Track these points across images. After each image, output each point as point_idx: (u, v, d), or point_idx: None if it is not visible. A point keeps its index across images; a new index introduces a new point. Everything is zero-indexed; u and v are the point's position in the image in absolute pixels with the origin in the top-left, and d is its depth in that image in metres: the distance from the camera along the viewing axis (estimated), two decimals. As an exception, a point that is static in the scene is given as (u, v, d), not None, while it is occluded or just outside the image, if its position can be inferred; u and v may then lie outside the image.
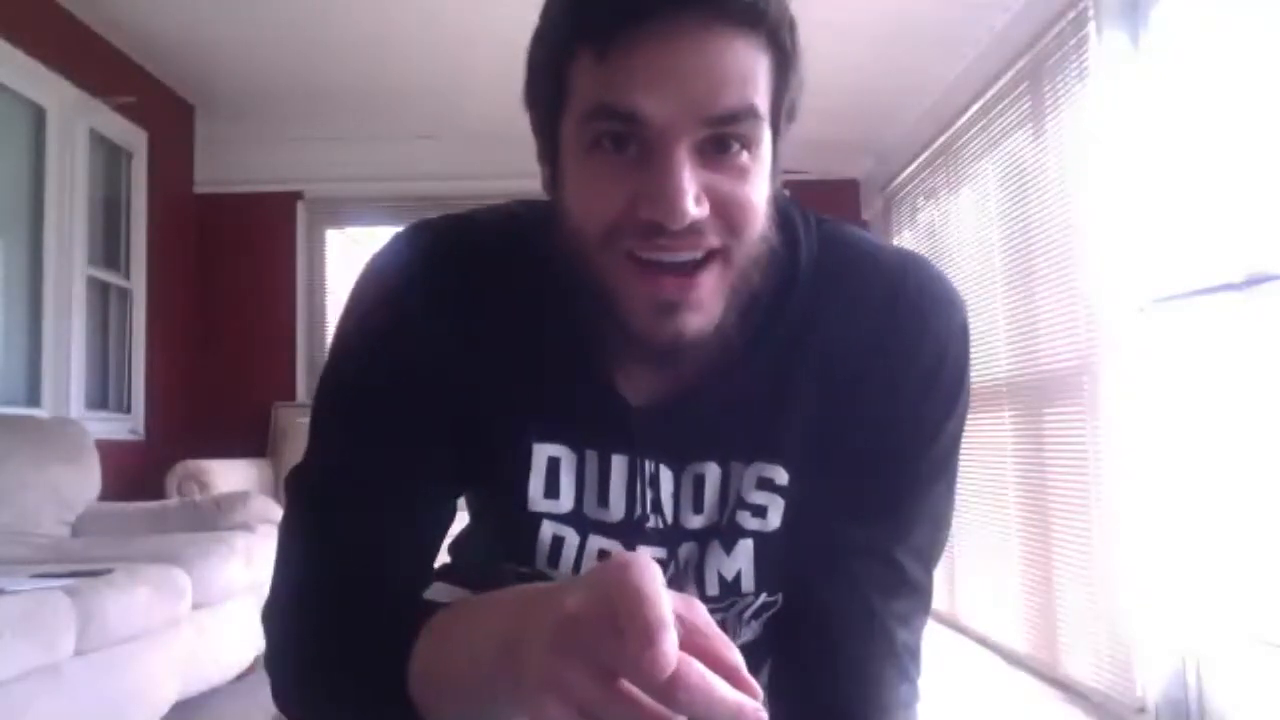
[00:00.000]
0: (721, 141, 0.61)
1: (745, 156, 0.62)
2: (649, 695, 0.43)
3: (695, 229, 0.61)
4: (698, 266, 0.62)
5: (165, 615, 2.52)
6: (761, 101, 0.61)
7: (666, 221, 0.59)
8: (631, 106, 0.59)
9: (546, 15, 0.65)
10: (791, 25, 0.63)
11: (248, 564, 2.96)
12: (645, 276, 0.62)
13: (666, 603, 0.43)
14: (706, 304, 0.63)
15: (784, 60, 0.63)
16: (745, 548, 0.74)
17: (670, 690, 0.41)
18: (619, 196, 0.61)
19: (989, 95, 3.53)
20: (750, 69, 0.60)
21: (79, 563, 2.58)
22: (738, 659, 0.44)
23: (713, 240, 0.62)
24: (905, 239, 4.70)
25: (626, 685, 0.43)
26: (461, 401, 0.72)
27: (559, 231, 0.66)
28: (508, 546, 0.77)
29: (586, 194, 0.63)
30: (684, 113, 0.59)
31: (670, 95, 0.59)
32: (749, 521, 0.74)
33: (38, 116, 3.64)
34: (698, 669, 0.42)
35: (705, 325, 0.64)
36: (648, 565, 0.44)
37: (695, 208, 0.60)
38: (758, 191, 0.63)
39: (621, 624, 0.42)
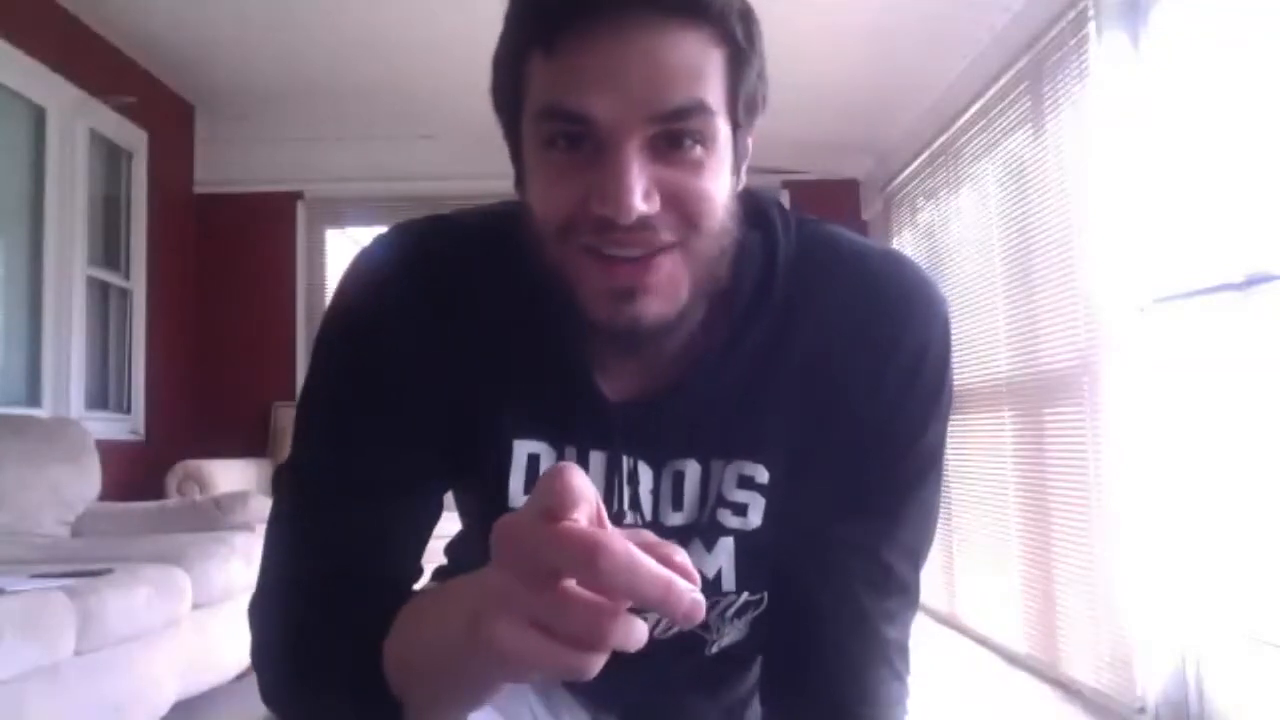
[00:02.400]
0: (673, 137, 0.61)
1: (699, 151, 0.62)
2: (578, 571, 0.42)
3: (646, 225, 0.61)
4: (654, 254, 0.63)
5: (165, 615, 2.52)
6: (713, 96, 0.62)
7: (615, 217, 0.60)
8: (578, 107, 0.60)
9: (506, 18, 0.66)
10: (744, 16, 0.63)
11: (248, 564, 2.96)
12: (601, 267, 0.63)
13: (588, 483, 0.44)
14: (664, 289, 0.63)
15: (738, 53, 0.63)
16: (726, 545, 0.74)
17: (593, 558, 0.41)
18: (572, 193, 0.62)
19: (989, 95, 3.53)
20: (698, 64, 0.61)
21: (79, 563, 2.58)
22: (677, 551, 0.44)
23: (665, 237, 0.63)
24: (905, 239, 4.70)
25: (571, 586, 0.43)
26: (444, 399, 0.73)
27: (525, 229, 0.67)
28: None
29: (543, 192, 0.64)
30: (631, 111, 0.60)
31: (617, 94, 0.59)
32: (730, 519, 0.74)
33: (38, 116, 3.64)
34: (623, 544, 0.42)
35: (664, 311, 0.64)
36: (572, 465, 0.45)
37: (643, 204, 0.60)
38: (713, 184, 0.63)
39: (548, 507, 0.43)
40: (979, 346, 3.66)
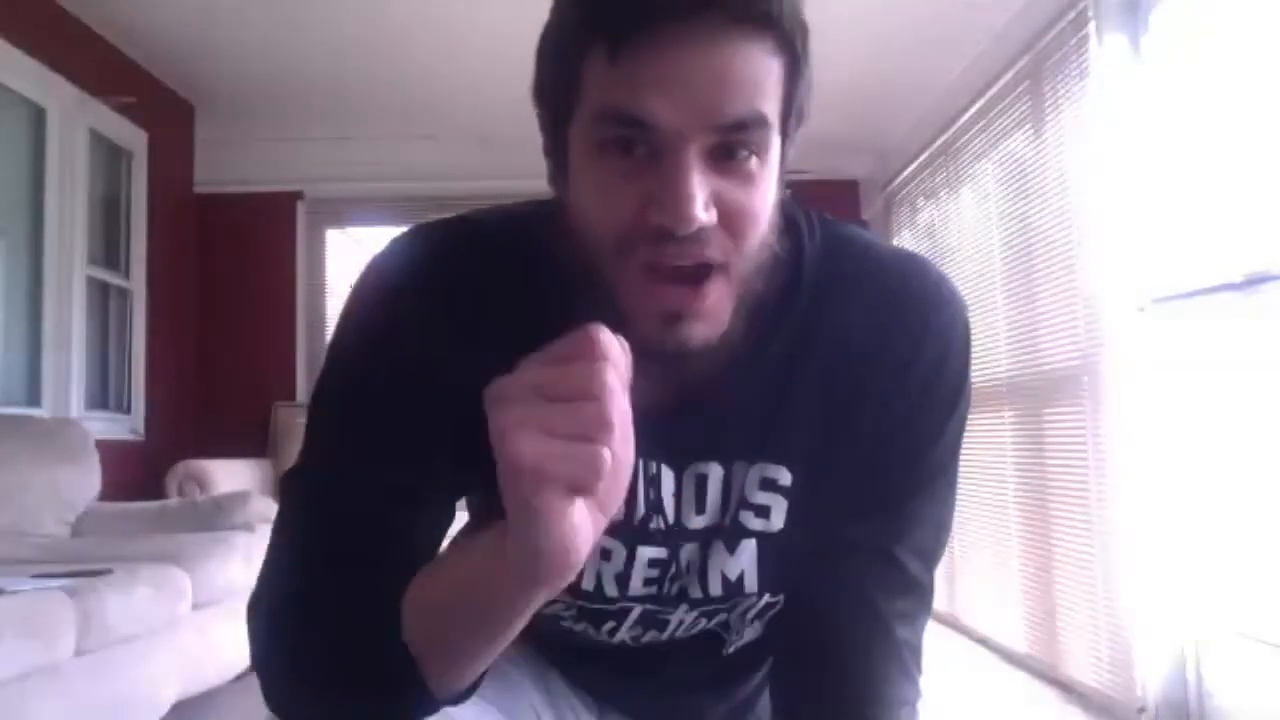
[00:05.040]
0: (730, 148, 0.61)
1: (754, 163, 0.62)
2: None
3: (700, 238, 0.61)
4: (702, 277, 0.62)
5: (165, 615, 2.52)
6: (771, 109, 0.61)
7: (676, 227, 0.59)
8: (642, 112, 0.59)
9: (558, 11, 0.64)
10: (804, 31, 0.63)
11: (248, 564, 2.96)
12: (654, 286, 0.62)
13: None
14: (712, 314, 0.63)
15: (795, 66, 0.62)
16: (748, 548, 0.74)
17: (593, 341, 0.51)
18: (630, 202, 0.61)
19: (989, 95, 3.53)
20: (762, 76, 0.60)
21: (79, 563, 2.58)
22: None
23: (714, 254, 0.62)
24: (905, 239, 4.69)
25: (562, 394, 0.51)
26: (462, 403, 0.72)
27: (567, 232, 0.66)
28: None
29: (597, 199, 0.63)
30: (694, 119, 0.59)
31: (681, 101, 0.58)
32: (752, 522, 0.74)
33: (38, 116, 3.64)
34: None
35: (710, 334, 0.64)
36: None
37: (704, 213, 0.59)
38: (763, 200, 0.63)
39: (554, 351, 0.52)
40: (979, 346, 3.65)
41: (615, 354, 0.51)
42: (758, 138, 0.61)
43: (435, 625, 0.62)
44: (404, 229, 0.76)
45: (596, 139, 0.61)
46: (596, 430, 0.50)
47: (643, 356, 0.66)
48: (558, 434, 0.50)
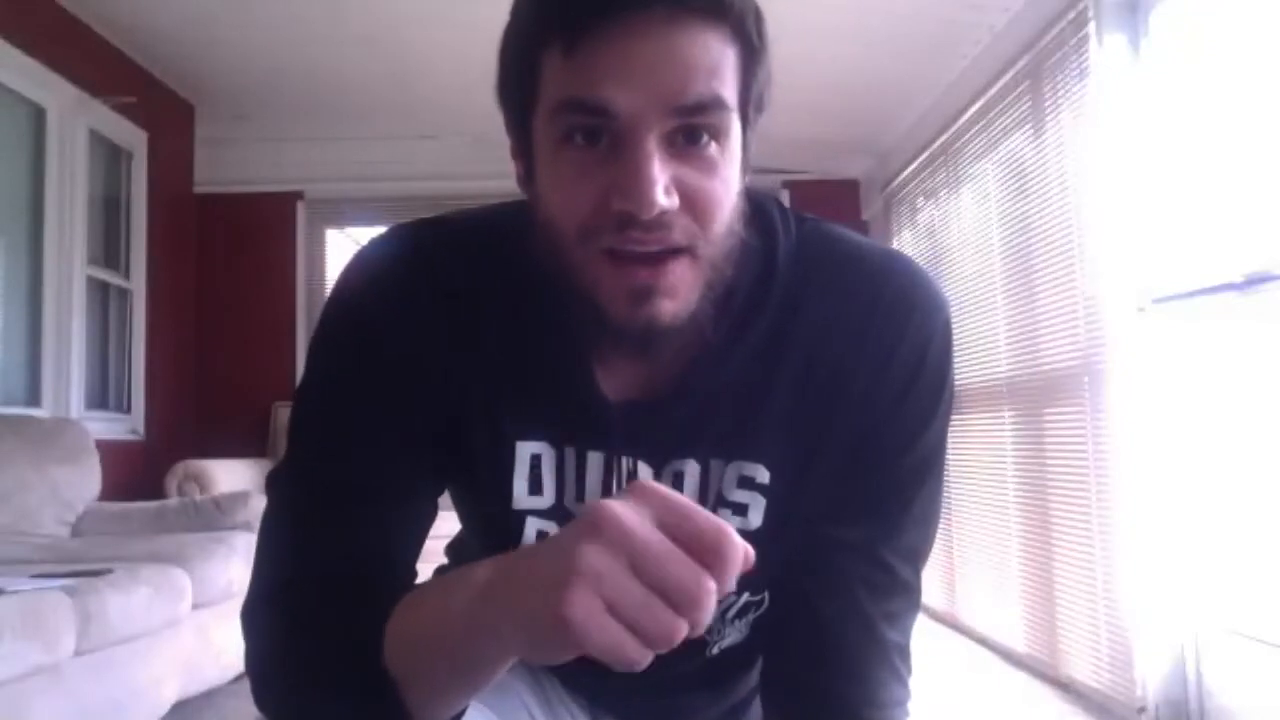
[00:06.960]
0: (691, 132, 0.62)
1: (714, 148, 0.63)
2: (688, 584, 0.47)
3: (664, 222, 0.61)
4: (667, 256, 0.63)
5: (165, 615, 2.52)
6: (729, 93, 0.62)
7: (638, 212, 0.60)
8: (600, 99, 0.60)
9: (516, 12, 0.65)
10: (757, 16, 0.64)
11: (248, 564, 2.94)
12: (619, 267, 0.63)
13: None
14: (679, 291, 0.64)
15: (750, 51, 0.64)
16: None
17: (722, 543, 0.48)
18: (592, 191, 0.62)
19: (989, 95, 3.52)
20: (717, 60, 0.61)
21: (79, 563, 2.58)
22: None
23: (678, 238, 0.62)
24: (905, 239, 4.69)
25: (654, 582, 0.47)
26: (442, 400, 0.72)
27: (536, 227, 0.67)
28: (493, 545, 0.77)
29: (560, 190, 0.64)
30: (653, 104, 0.60)
31: (639, 87, 0.59)
32: (730, 519, 0.73)
33: (38, 116, 3.64)
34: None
35: (679, 312, 0.64)
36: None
37: (665, 198, 0.60)
38: (726, 185, 0.64)
39: (684, 522, 0.48)
40: (979, 346, 3.66)
41: (737, 567, 0.48)
42: (717, 121, 0.62)
43: (416, 662, 0.63)
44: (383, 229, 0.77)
45: (558, 131, 0.62)
46: (662, 641, 0.48)
47: (616, 343, 0.66)
48: (621, 615, 0.47)
